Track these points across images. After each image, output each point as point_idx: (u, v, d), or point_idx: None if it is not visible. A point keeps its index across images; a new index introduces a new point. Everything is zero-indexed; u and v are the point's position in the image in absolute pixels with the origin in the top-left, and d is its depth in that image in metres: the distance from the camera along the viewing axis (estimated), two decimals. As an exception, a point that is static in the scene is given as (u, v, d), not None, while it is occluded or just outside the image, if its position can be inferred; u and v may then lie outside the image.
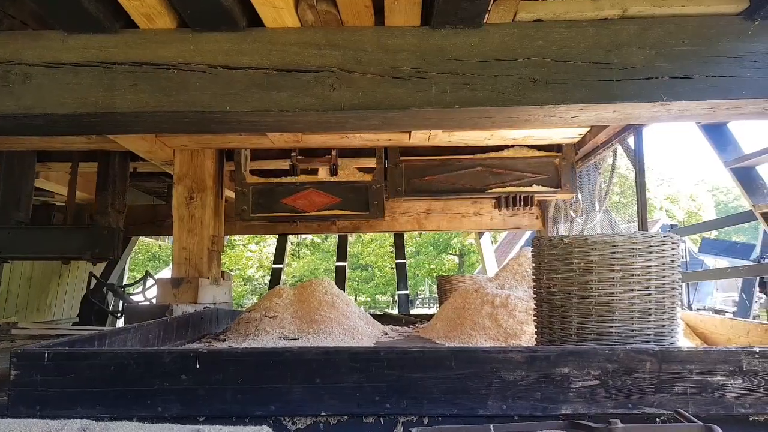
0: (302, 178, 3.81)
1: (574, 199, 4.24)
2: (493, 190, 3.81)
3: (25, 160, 3.90)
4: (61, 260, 4.12)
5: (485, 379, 1.53)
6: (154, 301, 4.87)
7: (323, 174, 4.39)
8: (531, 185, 3.83)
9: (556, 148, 3.92)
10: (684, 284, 5.31)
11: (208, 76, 1.94)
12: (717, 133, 3.14)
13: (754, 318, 5.20)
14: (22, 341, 3.47)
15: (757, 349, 1.53)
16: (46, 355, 1.57)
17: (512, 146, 3.88)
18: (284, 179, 3.74)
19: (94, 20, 1.89)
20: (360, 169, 4.38)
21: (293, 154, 3.96)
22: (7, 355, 1.61)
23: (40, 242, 3.87)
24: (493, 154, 3.87)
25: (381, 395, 1.53)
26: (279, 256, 6.45)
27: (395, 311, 6.32)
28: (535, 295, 2.07)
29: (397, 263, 6.67)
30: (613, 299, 1.80)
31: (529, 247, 2.19)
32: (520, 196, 3.84)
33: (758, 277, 5.26)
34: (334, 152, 4.00)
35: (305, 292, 3.17)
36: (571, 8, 1.91)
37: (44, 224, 4.01)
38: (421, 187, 3.83)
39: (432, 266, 22.18)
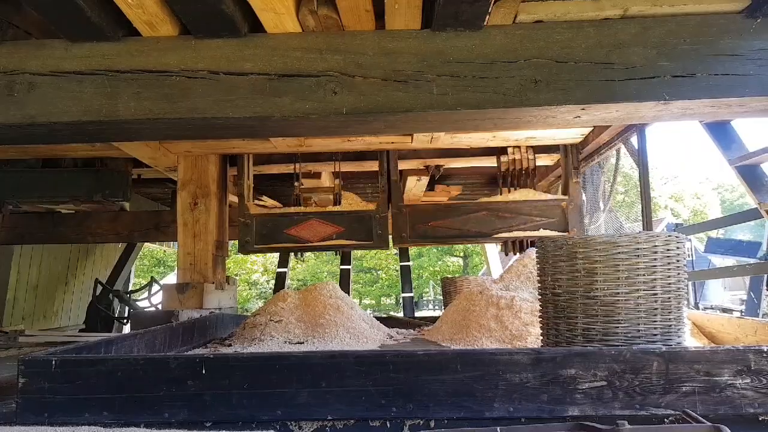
0: (305, 208, 3.80)
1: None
2: (500, 234, 3.74)
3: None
4: (72, 203, 4.11)
5: (491, 381, 1.52)
6: (159, 306, 4.88)
7: (326, 179, 4.40)
8: (538, 229, 3.76)
9: (563, 191, 3.87)
10: (690, 283, 5.28)
11: (210, 83, 1.95)
12: (721, 132, 3.13)
13: (763, 316, 5.17)
14: (30, 348, 3.49)
15: (765, 348, 1.52)
16: (54, 362, 1.58)
17: (518, 197, 3.84)
18: (287, 210, 3.76)
19: (97, 29, 1.90)
20: (363, 172, 4.37)
21: (297, 183, 3.96)
22: (15, 362, 1.61)
23: (51, 185, 3.89)
24: (498, 198, 3.83)
25: (387, 399, 1.53)
26: (283, 260, 6.45)
27: (400, 314, 6.31)
28: (540, 297, 2.07)
29: (401, 266, 6.66)
30: (618, 299, 1.80)
31: (534, 249, 2.19)
32: (527, 241, 3.77)
33: (766, 275, 5.22)
34: (337, 181, 4.00)
35: (310, 296, 3.17)
36: (572, 9, 1.91)
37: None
38: (425, 233, 3.76)
39: (436, 268, 22.14)
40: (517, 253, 3.84)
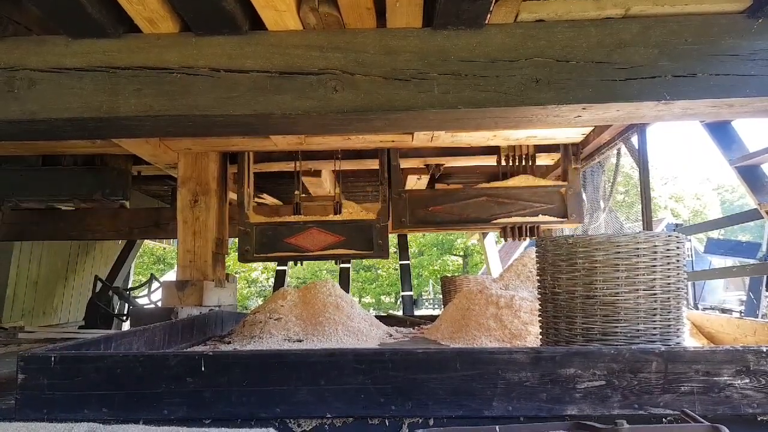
0: (305, 217, 3.77)
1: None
2: (499, 220, 3.75)
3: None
4: (72, 201, 4.09)
5: (490, 380, 1.52)
6: (159, 304, 4.88)
7: (327, 178, 4.38)
8: (537, 215, 3.76)
9: (562, 177, 3.87)
10: (690, 283, 5.28)
11: (211, 80, 1.95)
12: (721, 132, 3.13)
13: (762, 317, 5.17)
14: (29, 345, 3.49)
15: (764, 349, 1.52)
16: (53, 358, 1.58)
17: (516, 176, 3.87)
18: (287, 218, 3.72)
19: (98, 25, 1.90)
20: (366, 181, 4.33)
21: (297, 192, 3.93)
22: (15, 358, 1.61)
23: (51, 183, 3.88)
24: (497, 184, 3.83)
25: (386, 397, 1.53)
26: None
27: (400, 312, 6.32)
28: (539, 296, 2.07)
29: (401, 264, 6.65)
30: (618, 299, 1.80)
31: (534, 248, 2.19)
32: (525, 226, 3.78)
33: (766, 276, 5.23)
34: (337, 190, 3.97)
35: (309, 294, 3.17)
36: (573, 8, 1.91)
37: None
38: (425, 218, 3.76)
39: (436, 267, 22.15)
40: (517, 239, 3.85)
